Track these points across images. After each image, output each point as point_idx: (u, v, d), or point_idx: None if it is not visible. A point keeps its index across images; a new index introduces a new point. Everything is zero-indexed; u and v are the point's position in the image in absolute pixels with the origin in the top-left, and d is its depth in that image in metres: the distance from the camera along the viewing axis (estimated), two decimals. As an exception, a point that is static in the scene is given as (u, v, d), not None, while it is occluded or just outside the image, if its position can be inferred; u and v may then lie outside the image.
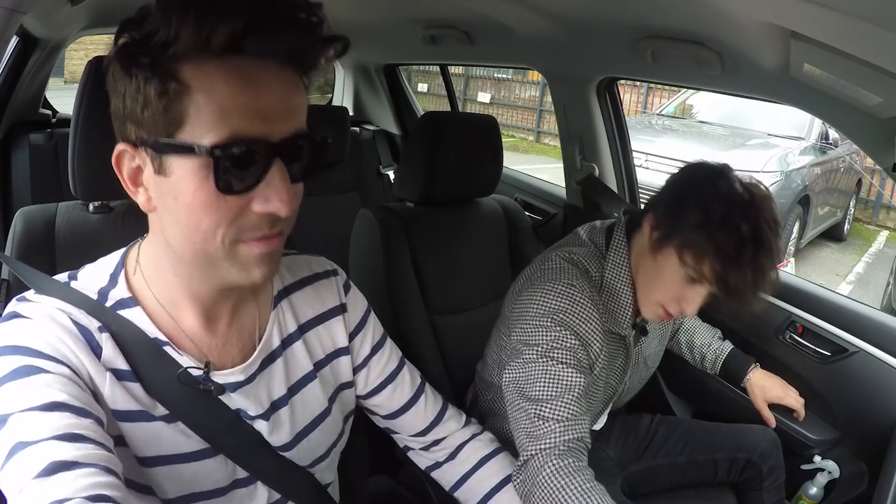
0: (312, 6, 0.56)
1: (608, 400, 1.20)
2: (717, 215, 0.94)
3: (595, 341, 1.04)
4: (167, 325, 0.66)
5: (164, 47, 0.53)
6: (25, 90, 2.08)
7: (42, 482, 0.47)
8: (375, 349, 0.85)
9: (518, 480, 0.90)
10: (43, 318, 0.61)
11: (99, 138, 0.86)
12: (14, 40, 1.86)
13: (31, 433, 0.50)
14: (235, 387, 0.69)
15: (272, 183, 0.57)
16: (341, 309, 0.81)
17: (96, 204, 0.96)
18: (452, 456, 0.90)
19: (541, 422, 0.94)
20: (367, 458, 1.05)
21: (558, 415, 0.94)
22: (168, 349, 0.66)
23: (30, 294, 0.64)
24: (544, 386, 0.97)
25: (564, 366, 0.98)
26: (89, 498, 0.47)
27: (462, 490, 0.90)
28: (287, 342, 0.75)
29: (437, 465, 0.92)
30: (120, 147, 0.59)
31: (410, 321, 1.38)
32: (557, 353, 0.98)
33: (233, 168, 0.55)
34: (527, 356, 1.00)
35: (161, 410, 0.65)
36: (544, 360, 0.98)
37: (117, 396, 0.62)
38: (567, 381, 0.97)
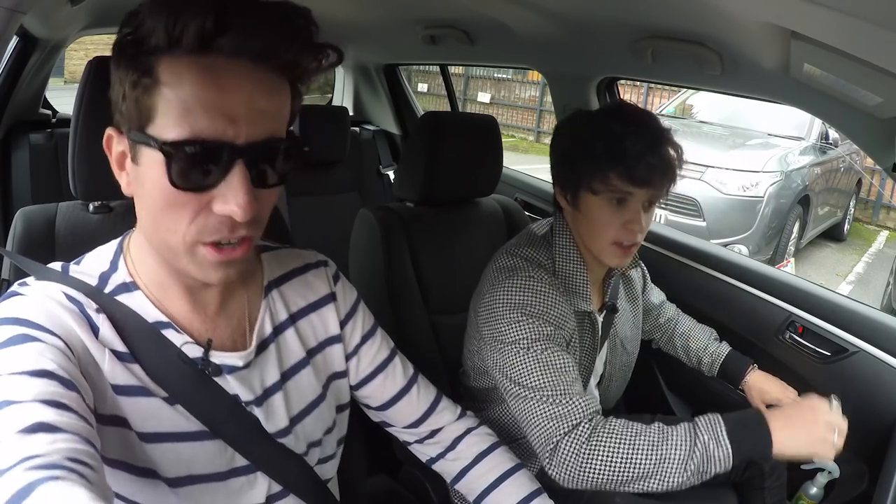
0: (292, 7, 0.56)
1: (586, 382, 1.20)
2: (589, 137, 1.03)
3: (567, 322, 1.07)
4: (163, 309, 0.68)
5: (142, 42, 0.55)
6: (25, 90, 2.08)
7: (22, 437, 0.47)
8: (366, 338, 0.86)
9: (556, 463, 0.93)
10: (41, 296, 0.62)
11: (99, 138, 0.86)
12: (14, 40, 1.86)
13: (17, 394, 0.51)
14: (232, 370, 0.70)
15: (231, 185, 0.57)
16: (331, 297, 0.83)
17: (96, 204, 0.97)
18: (449, 449, 0.91)
19: (556, 404, 0.96)
20: (367, 458, 1.05)
21: (571, 391, 0.97)
22: (170, 331, 0.67)
23: (29, 280, 0.66)
24: (541, 374, 0.98)
25: (550, 352, 1.00)
26: (68, 458, 0.47)
27: (461, 484, 0.90)
28: (279, 329, 0.76)
29: (433, 459, 0.92)
30: (108, 131, 0.62)
31: (410, 321, 1.38)
32: (538, 345, 1.01)
33: (188, 166, 0.55)
34: (512, 353, 1.01)
35: (161, 392, 0.65)
36: (530, 353, 1.00)
37: (117, 372, 0.63)
38: (559, 364, 0.99)
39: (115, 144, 0.62)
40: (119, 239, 0.72)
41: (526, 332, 1.01)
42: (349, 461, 0.92)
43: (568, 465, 0.93)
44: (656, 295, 1.46)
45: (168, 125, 0.55)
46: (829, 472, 1.30)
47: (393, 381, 0.88)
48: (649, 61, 1.37)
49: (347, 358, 0.85)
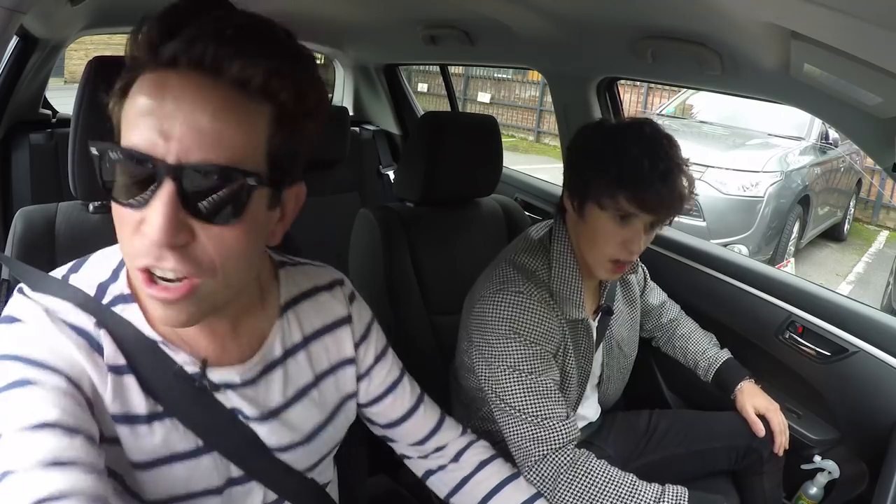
0: (260, 20, 0.54)
1: (583, 383, 1.21)
2: (606, 153, 1.04)
3: (554, 336, 1.08)
4: (161, 326, 0.65)
5: (131, 59, 0.55)
6: (25, 90, 2.08)
7: None
8: (378, 358, 0.84)
9: (535, 476, 0.97)
10: (41, 322, 0.60)
11: (99, 138, 0.86)
12: (14, 40, 1.86)
13: (18, 460, 0.50)
14: (231, 386, 0.68)
15: (152, 204, 0.52)
16: (347, 319, 0.81)
17: (96, 204, 0.97)
18: (452, 461, 0.91)
19: (536, 426, 1.00)
20: (367, 458, 1.05)
21: (554, 415, 1.01)
22: (164, 347, 0.65)
23: (27, 290, 0.64)
24: (527, 398, 1.02)
25: (536, 375, 1.03)
26: None
27: (460, 494, 0.90)
28: (290, 352, 0.74)
29: (432, 472, 0.92)
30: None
31: (410, 321, 1.38)
32: (524, 365, 1.03)
33: (117, 180, 0.53)
34: (498, 370, 1.04)
35: (157, 408, 0.64)
36: (516, 373, 1.03)
37: (117, 398, 0.62)
38: (543, 387, 1.02)
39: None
40: None
41: (513, 351, 1.03)
42: (349, 461, 0.92)
43: (541, 485, 0.97)
44: (656, 296, 1.46)
45: (123, 136, 0.54)
46: (829, 472, 1.30)
47: (402, 400, 0.87)
48: (649, 61, 1.37)
49: (359, 379, 0.83)
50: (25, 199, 2.07)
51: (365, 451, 1.05)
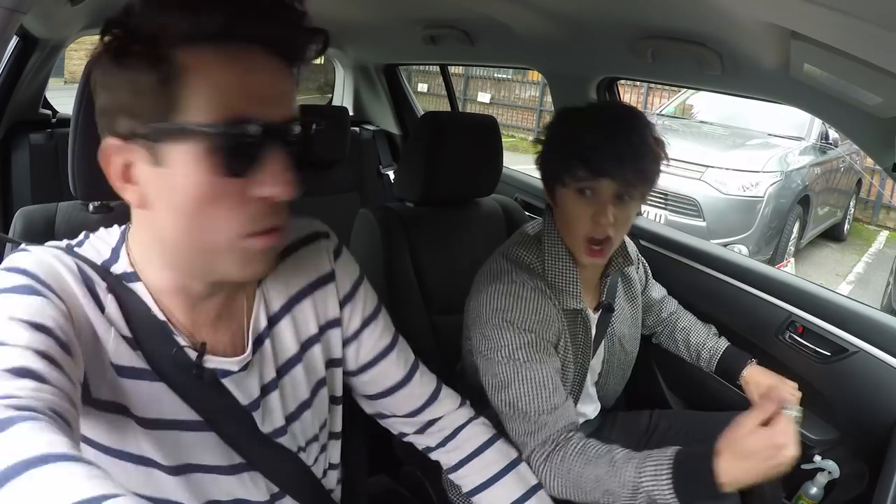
0: None
1: (581, 379, 1.21)
2: (562, 131, 1.08)
3: (552, 324, 1.08)
4: (164, 308, 0.66)
5: (155, 35, 0.53)
6: (25, 90, 2.08)
7: (7, 377, 0.47)
8: (367, 322, 0.81)
9: (533, 464, 0.97)
10: (51, 258, 0.60)
11: (99, 138, 0.86)
12: (14, 40, 1.86)
13: (11, 338, 0.50)
14: (227, 374, 0.68)
15: (270, 166, 0.56)
16: (331, 276, 0.77)
17: (96, 204, 0.97)
18: (449, 439, 0.89)
19: (528, 422, 1.00)
20: (367, 458, 1.05)
21: (542, 410, 1.00)
22: (170, 328, 0.65)
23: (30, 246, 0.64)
24: (520, 387, 1.01)
25: (531, 363, 1.02)
26: (49, 408, 0.47)
27: (458, 474, 0.89)
28: (273, 320, 0.73)
29: (431, 449, 0.90)
30: (108, 142, 0.57)
31: (411, 321, 1.38)
32: (520, 353, 1.02)
33: (231, 149, 0.54)
34: (496, 362, 1.04)
35: (159, 379, 0.64)
36: (512, 362, 1.02)
37: (121, 352, 0.62)
38: (539, 376, 1.02)
39: (115, 156, 0.57)
40: (122, 229, 0.69)
41: (508, 340, 1.03)
42: (349, 461, 0.92)
43: (536, 474, 0.98)
44: (658, 291, 1.46)
45: (199, 111, 0.54)
46: (829, 472, 1.30)
47: (396, 368, 0.84)
48: (649, 61, 1.37)
49: (345, 343, 0.80)
50: (25, 199, 2.07)
51: (365, 451, 1.05)
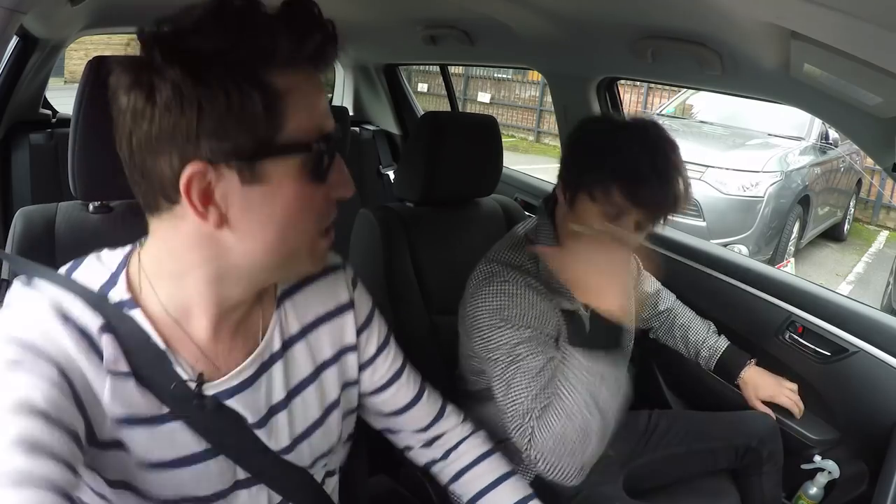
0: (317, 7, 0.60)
1: None
2: (604, 146, 1.04)
3: (549, 319, 1.07)
4: (168, 332, 0.64)
5: (259, 57, 0.55)
6: (25, 90, 2.08)
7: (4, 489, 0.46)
8: (381, 348, 0.84)
9: (533, 447, 0.98)
10: (42, 309, 0.59)
11: (99, 138, 0.85)
12: (14, 40, 1.86)
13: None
14: (232, 393, 0.68)
15: (339, 170, 0.63)
16: (349, 305, 0.80)
17: (96, 204, 0.96)
18: (451, 451, 0.91)
19: (522, 408, 1.00)
20: (367, 458, 1.05)
21: (539, 401, 1.00)
22: (169, 357, 0.64)
23: (28, 280, 0.63)
24: (522, 379, 1.01)
25: (532, 356, 1.02)
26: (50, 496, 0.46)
27: (458, 484, 0.91)
28: (288, 343, 0.74)
29: (434, 461, 0.92)
30: (194, 168, 0.55)
31: (411, 321, 1.38)
32: (520, 349, 1.03)
33: (321, 159, 0.60)
34: (499, 363, 1.04)
35: (163, 409, 0.64)
36: (512, 359, 1.02)
37: (118, 401, 0.60)
38: (540, 367, 1.01)
39: (199, 180, 0.55)
40: (125, 252, 0.67)
41: (507, 338, 1.03)
42: (349, 461, 0.92)
43: (530, 440, 0.98)
44: (650, 283, 1.46)
45: (300, 128, 0.58)
46: (829, 472, 1.30)
47: (407, 388, 0.87)
48: (649, 61, 1.37)
49: (361, 368, 0.83)
50: (25, 199, 2.07)
51: (365, 451, 1.04)
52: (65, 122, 2.29)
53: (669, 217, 1.05)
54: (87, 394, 0.59)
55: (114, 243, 0.69)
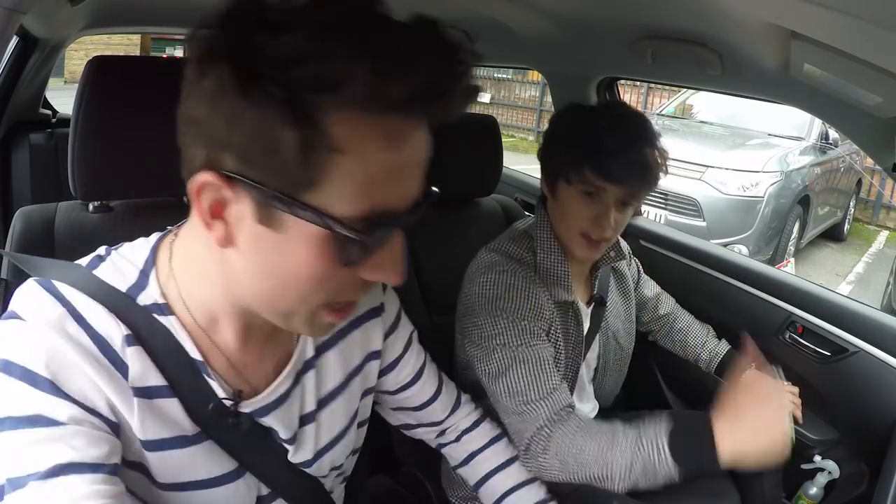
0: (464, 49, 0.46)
1: (574, 374, 1.21)
2: (573, 129, 1.07)
3: (544, 312, 1.08)
4: (201, 341, 0.59)
5: (320, 85, 0.41)
6: (25, 90, 2.08)
7: None
8: (407, 347, 0.84)
9: (527, 460, 0.97)
10: (51, 330, 0.51)
11: (99, 138, 0.85)
12: (14, 40, 1.86)
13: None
14: (268, 410, 0.64)
15: (390, 252, 0.51)
16: (380, 310, 0.77)
17: (96, 204, 0.96)
18: (463, 435, 0.93)
19: (528, 406, 1.00)
20: (367, 458, 1.05)
21: (541, 393, 1.00)
22: (203, 373, 0.59)
23: (44, 282, 0.55)
24: (517, 371, 1.01)
25: (527, 347, 1.03)
26: None
27: (466, 467, 0.93)
28: (322, 349, 0.70)
29: (443, 445, 0.94)
30: (209, 177, 0.46)
31: (411, 321, 1.38)
32: (514, 340, 1.03)
33: (361, 241, 0.47)
34: (491, 350, 1.04)
35: (194, 429, 0.59)
36: (507, 349, 1.03)
37: (147, 424, 0.56)
38: (535, 359, 1.02)
39: (213, 191, 0.47)
40: (151, 246, 0.60)
41: (502, 328, 1.03)
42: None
43: (535, 463, 0.97)
44: (651, 287, 1.46)
45: (343, 198, 0.44)
46: (829, 472, 1.30)
47: (429, 384, 0.88)
48: (649, 61, 1.37)
49: (385, 371, 0.81)
50: (25, 199, 2.07)
51: (365, 451, 1.04)
52: (65, 122, 2.29)
53: (649, 190, 1.07)
54: (117, 418, 0.55)
55: (113, 243, 0.68)
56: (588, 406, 1.33)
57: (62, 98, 2.36)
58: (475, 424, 0.94)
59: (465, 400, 0.95)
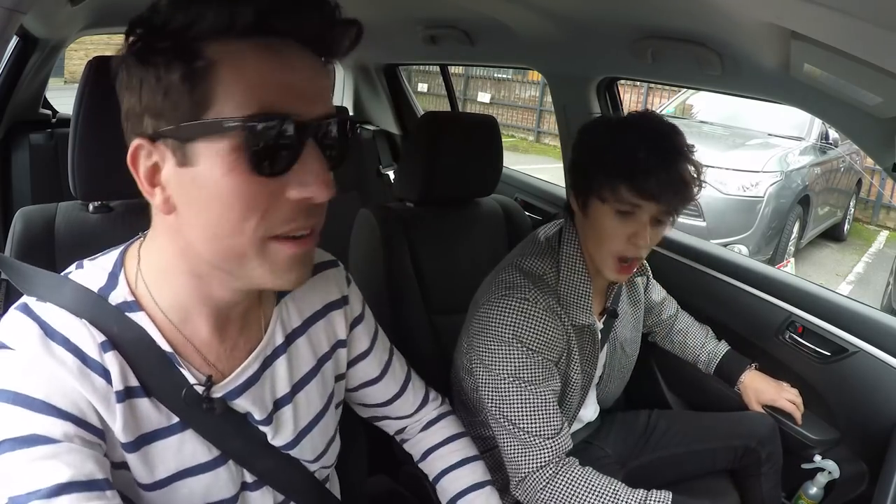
0: None
1: (586, 387, 1.21)
2: (605, 146, 1.03)
3: (556, 346, 1.07)
4: (171, 335, 0.63)
5: (184, 30, 0.51)
6: (25, 90, 2.08)
7: None
8: (373, 342, 0.86)
9: (520, 493, 0.99)
10: (36, 350, 0.55)
11: (99, 138, 0.86)
12: (14, 40, 1.86)
13: None
14: (239, 392, 0.67)
15: (308, 165, 0.54)
16: (343, 301, 0.80)
17: (96, 204, 0.97)
18: (425, 428, 0.94)
19: (532, 440, 1.00)
20: (367, 458, 1.05)
21: (544, 432, 1.01)
22: (174, 363, 0.62)
23: (28, 302, 0.60)
24: (522, 409, 1.01)
25: (536, 385, 1.02)
26: None
27: (425, 462, 0.93)
28: (291, 337, 0.73)
29: (406, 440, 0.95)
30: (136, 142, 0.54)
31: (410, 321, 1.38)
32: (525, 373, 1.02)
33: (265, 146, 0.51)
34: (500, 377, 1.03)
35: (173, 419, 0.63)
36: (517, 383, 1.02)
37: (128, 425, 0.59)
38: (541, 398, 1.02)
39: (143, 158, 0.55)
40: (119, 251, 0.65)
41: (514, 359, 1.02)
42: (349, 461, 0.93)
43: (528, 495, 0.99)
44: (658, 292, 1.46)
45: (232, 107, 0.51)
46: (829, 472, 1.30)
47: (394, 380, 0.89)
48: (649, 61, 1.37)
49: (350, 364, 0.84)
50: (25, 199, 2.07)
51: (365, 451, 1.05)
52: (65, 122, 2.29)
53: (685, 205, 1.04)
54: (103, 427, 0.58)
55: (114, 243, 0.69)
56: (590, 410, 1.33)
57: (62, 98, 2.36)
58: (441, 417, 0.95)
59: (435, 395, 0.96)
